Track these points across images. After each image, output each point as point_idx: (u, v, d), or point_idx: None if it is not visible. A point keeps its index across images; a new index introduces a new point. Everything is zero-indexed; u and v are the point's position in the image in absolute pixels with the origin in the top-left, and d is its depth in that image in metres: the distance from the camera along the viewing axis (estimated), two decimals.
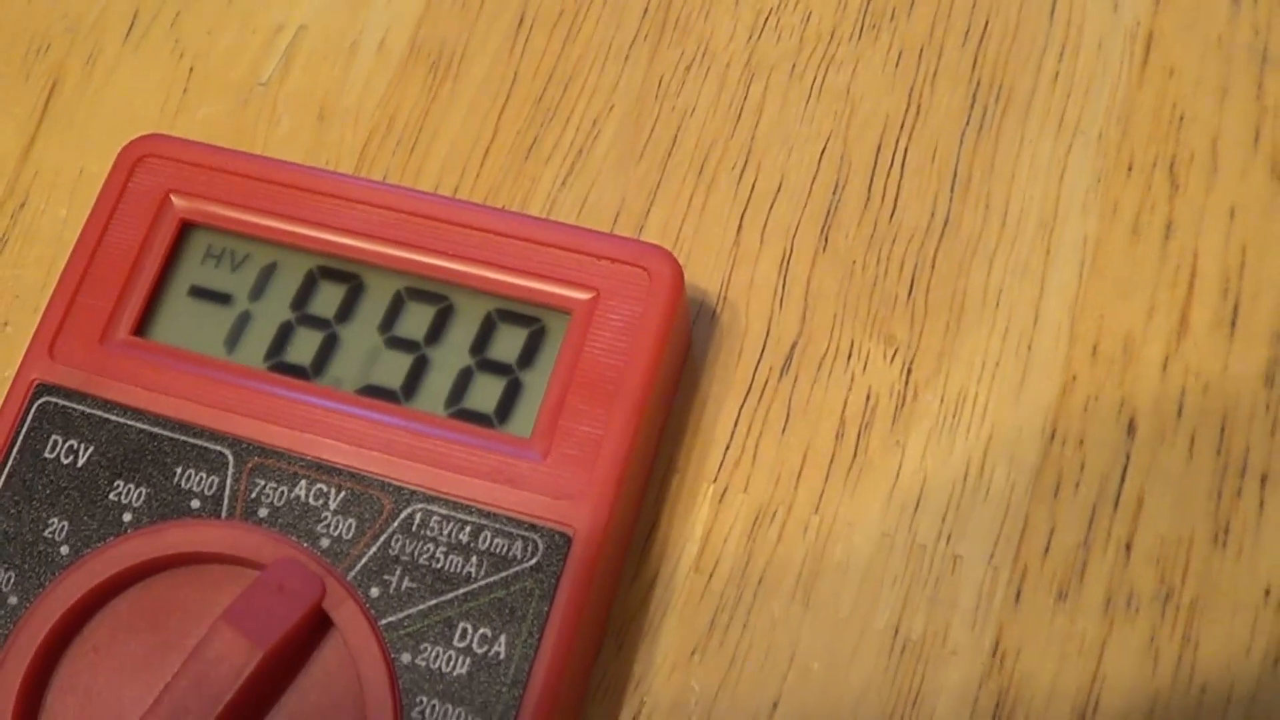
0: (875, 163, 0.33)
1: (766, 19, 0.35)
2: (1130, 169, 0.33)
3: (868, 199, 0.33)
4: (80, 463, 0.28)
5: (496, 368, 0.29)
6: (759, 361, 0.32)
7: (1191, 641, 0.29)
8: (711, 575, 0.30)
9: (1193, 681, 0.29)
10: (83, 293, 0.30)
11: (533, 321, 0.29)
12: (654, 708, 0.30)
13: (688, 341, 0.32)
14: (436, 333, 0.30)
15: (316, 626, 0.27)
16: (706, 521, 0.31)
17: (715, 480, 0.31)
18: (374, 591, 0.27)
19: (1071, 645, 0.30)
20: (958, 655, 0.30)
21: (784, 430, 0.31)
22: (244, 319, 0.30)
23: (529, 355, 0.29)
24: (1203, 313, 0.32)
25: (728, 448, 0.31)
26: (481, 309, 0.29)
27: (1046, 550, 0.30)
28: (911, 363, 0.32)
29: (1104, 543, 0.30)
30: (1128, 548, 0.30)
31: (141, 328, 0.30)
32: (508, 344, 0.29)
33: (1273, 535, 0.30)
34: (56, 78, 0.36)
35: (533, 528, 0.27)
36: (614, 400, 0.28)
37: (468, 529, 0.27)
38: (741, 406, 0.32)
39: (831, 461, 0.31)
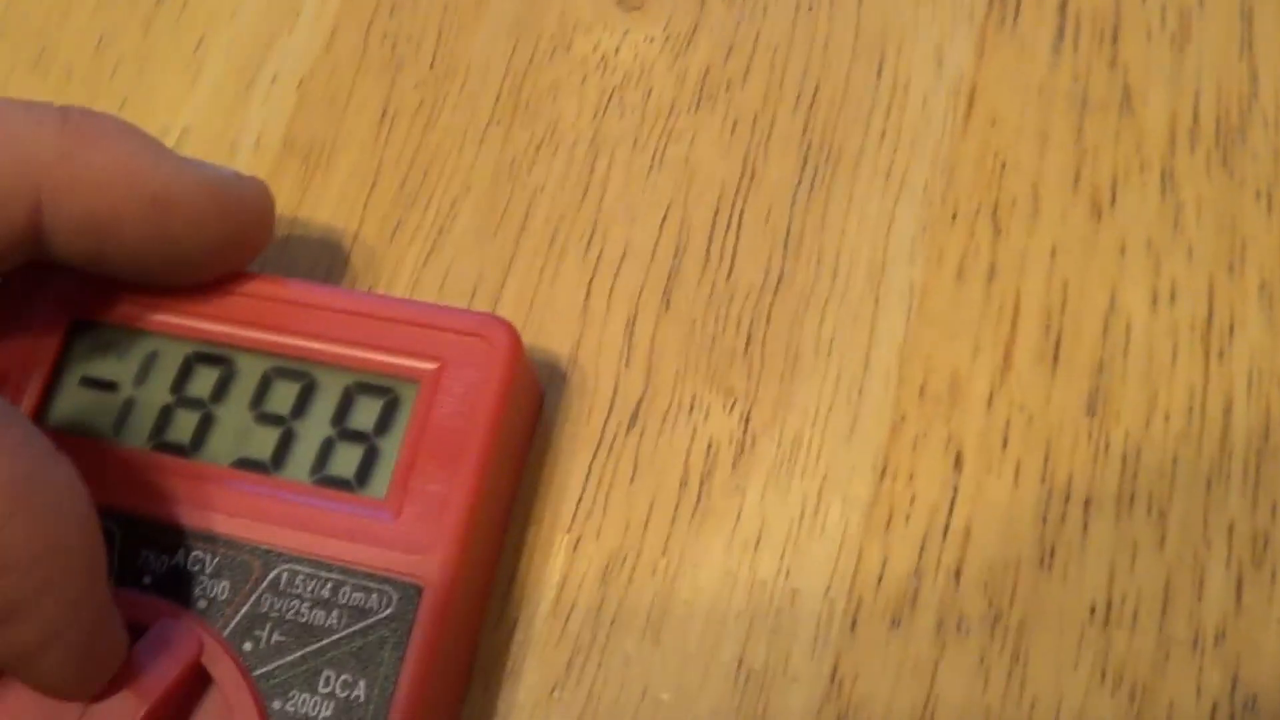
0: (713, 226, 0.36)
1: (610, 97, 0.37)
2: (955, 217, 0.35)
3: (706, 260, 0.35)
4: None
5: (355, 436, 0.31)
6: (608, 418, 0.34)
7: (1021, 660, 0.31)
8: (568, 618, 0.32)
9: (1023, 697, 0.31)
10: None
11: (386, 392, 0.32)
12: None
13: (537, 400, 0.34)
14: (301, 407, 0.32)
15: (196, 681, 0.29)
16: (563, 569, 0.33)
17: (569, 530, 0.33)
18: (247, 646, 0.29)
19: (906, 668, 0.31)
20: (799, 682, 0.31)
21: (632, 480, 0.33)
22: (129, 404, 0.32)
23: (384, 423, 0.31)
24: (1026, 349, 0.34)
25: (580, 499, 0.33)
26: (340, 383, 0.32)
27: (880, 580, 0.32)
28: (749, 412, 0.34)
29: (934, 570, 0.32)
30: (957, 574, 0.32)
31: (38, 416, 0.32)
32: (365, 413, 0.32)
33: (1096, 556, 0.32)
34: None
35: (386, 581, 0.30)
36: (458, 460, 0.30)
37: (329, 585, 0.30)
38: (592, 460, 0.34)
39: (677, 507, 0.33)
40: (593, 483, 0.34)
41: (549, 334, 0.35)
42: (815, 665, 0.32)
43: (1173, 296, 0.34)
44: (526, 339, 0.34)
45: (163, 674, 0.29)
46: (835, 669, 0.31)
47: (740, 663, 0.32)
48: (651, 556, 0.33)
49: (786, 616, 0.32)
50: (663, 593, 0.32)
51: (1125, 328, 0.34)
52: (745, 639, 0.32)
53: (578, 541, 0.33)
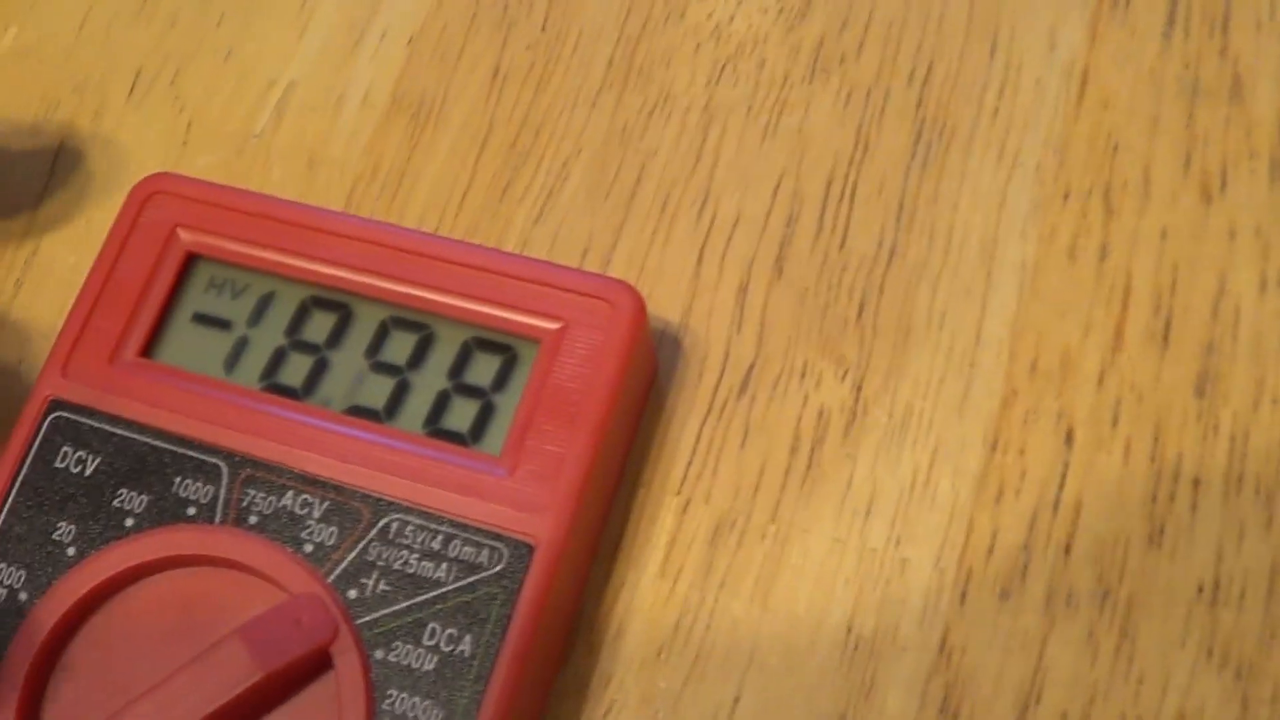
0: (826, 196, 0.36)
1: (724, 66, 0.37)
2: (1067, 196, 0.35)
3: (819, 230, 0.35)
4: (88, 472, 0.31)
5: (471, 391, 0.31)
6: (719, 383, 0.34)
7: (1129, 636, 0.31)
8: (676, 580, 0.32)
9: (1130, 673, 0.31)
10: (95, 317, 0.32)
11: (505, 349, 0.32)
12: (624, 704, 0.31)
13: (653, 366, 0.34)
14: (418, 358, 0.32)
15: (318, 663, 0.29)
16: (671, 531, 0.33)
17: (679, 493, 0.33)
18: (352, 593, 0.29)
19: (1015, 641, 0.31)
20: (908, 651, 0.31)
21: (742, 445, 0.33)
22: (242, 343, 0.32)
23: (501, 380, 0.31)
24: (1136, 329, 0.34)
25: (690, 463, 0.33)
26: (459, 337, 0.32)
27: (990, 552, 0.32)
28: (861, 381, 0.34)
29: (1044, 545, 0.32)
30: (1067, 549, 0.32)
31: (148, 349, 0.32)
32: (482, 369, 0.32)
33: (1204, 536, 0.32)
34: (65, 134, 0.39)
35: (498, 537, 0.30)
36: (576, 421, 0.30)
37: (439, 538, 0.30)
38: (703, 424, 0.34)
39: (787, 473, 0.33)
40: (703, 447, 0.33)
41: (659, 299, 0.35)
42: (924, 635, 0.32)
43: None
44: None
45: (288, 649, 0.28)
46: (944, 640, 0.31)
47: (849, 630, 0.32)
48: (761, 521, 0.33)
49: (896, 585, 0.32)
50: (772, 557, 0.32)
51: (1234, 311, 0.34)
52: (854, 606, 0.32)
53: (687, 504, 0.33)
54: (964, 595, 0.32)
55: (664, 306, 0.35)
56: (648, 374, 0.34)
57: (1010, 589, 0.32)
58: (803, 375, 0.34)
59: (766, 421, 0.34)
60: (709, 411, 0.34)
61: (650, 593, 0.32)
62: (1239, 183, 0.35)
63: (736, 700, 0.31)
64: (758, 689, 0.31)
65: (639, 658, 0.32)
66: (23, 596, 0.30)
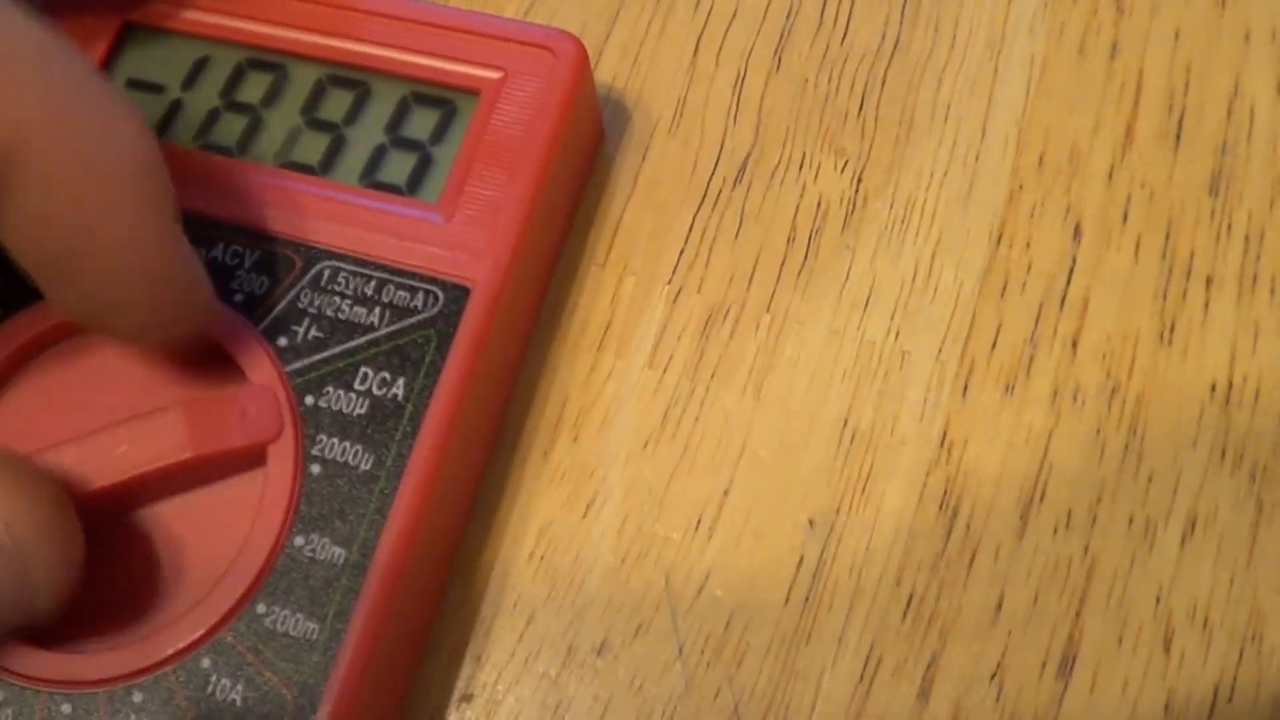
0: None
1: None
2: None
3: (820, 23, 0.34)
4: None
5: (409, 144, 0.30)
6: (713, 172, 0.33)
7: (1138, 434, 0.30)
8: (665, 370, 0.31)
9: (1139, 471, 0.30)
10: None
11: (444, 103, 0.31)
12: (609, 495, 0.30)
13: (598, 124, 0.33)
14: (354, 114, 0.31)
15: (254, 457, 0.28)
16: (661, 320, 0.31)
17: (670, 282, 0.32)
18: (281, 341, 0.28)
19: (1019, 435, 0.30)
20: (906, 444, 0.30)
21: (737, 235, 0.32)
22: (175, 106, 0.31)
23: (440, 133, 0.30)
24: (1148, 127, 0.32)
25: (681, 251, 0.32)
26: (397, 93, 0.31)
27: (994, 346, 0.31)
28: (861, 173, 0.32)
29: (1050, 339, 0.31)
30: (1074, 344, 0.31)
31: None
32: (421, 123, 0.31)
33: (1218, 335, 0.31)
34: None
35: (433, 281, 0.29)
36: (515, 167, 0.29)
37: (372, 283, 0.29)
38: (696, 214, 0.32)
39: (783, 264, 0.32)
40: (695, 236, 0.32)
41: (653, 89, 0.34)
42: (924, 428, 0.30)
43: None
44: (630, 91, 0.33)
45: (225, 438, 0.27)
46: (945, 433, 0.30)
47: (845, 422, 0.30)
48: (755, 311, 0.31)
49: (895, 378, 0.31)
50: (766, 348, 0.31)
51: (1249, 112, 0.33)
52: (851, 399, 0.31)
53: (678, 293, 0.32)
54: (965, 388, 0.30)
55: (658, 97, 0.33)
56: (592, 131, 0.33)
57: (1014, 383, 0.30)
58: (801, 166, 0.33)
59: (763, 211, 0.32)
60: (702, 200, 0.32)
61: (638, 383, 0.31)
62: None
63: (726, 493, 0.30)
64: (749, 481, 0.30)
65: (625, 449, 0.30)
66: None
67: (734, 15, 0.34)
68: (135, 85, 0.31)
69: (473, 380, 0.28)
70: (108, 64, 0.31)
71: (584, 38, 0.33)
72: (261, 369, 0.28)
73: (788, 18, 0.34)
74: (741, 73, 0.33)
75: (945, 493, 0.30)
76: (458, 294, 0.28)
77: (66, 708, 0.26)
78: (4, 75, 0.23)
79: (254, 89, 0.31)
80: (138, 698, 0.26)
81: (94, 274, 0.24)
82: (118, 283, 0.25)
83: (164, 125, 0.31)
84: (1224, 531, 0.29)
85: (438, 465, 0.27)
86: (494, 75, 0.30)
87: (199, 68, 0.31)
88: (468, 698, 0.29)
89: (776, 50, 0.34)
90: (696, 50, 0.34)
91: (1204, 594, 0.29)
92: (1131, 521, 0.29)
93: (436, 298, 0.28)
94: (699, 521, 0.30)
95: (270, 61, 0.31)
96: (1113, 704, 0.28)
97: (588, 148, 0.33)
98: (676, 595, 0.29)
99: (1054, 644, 0.28)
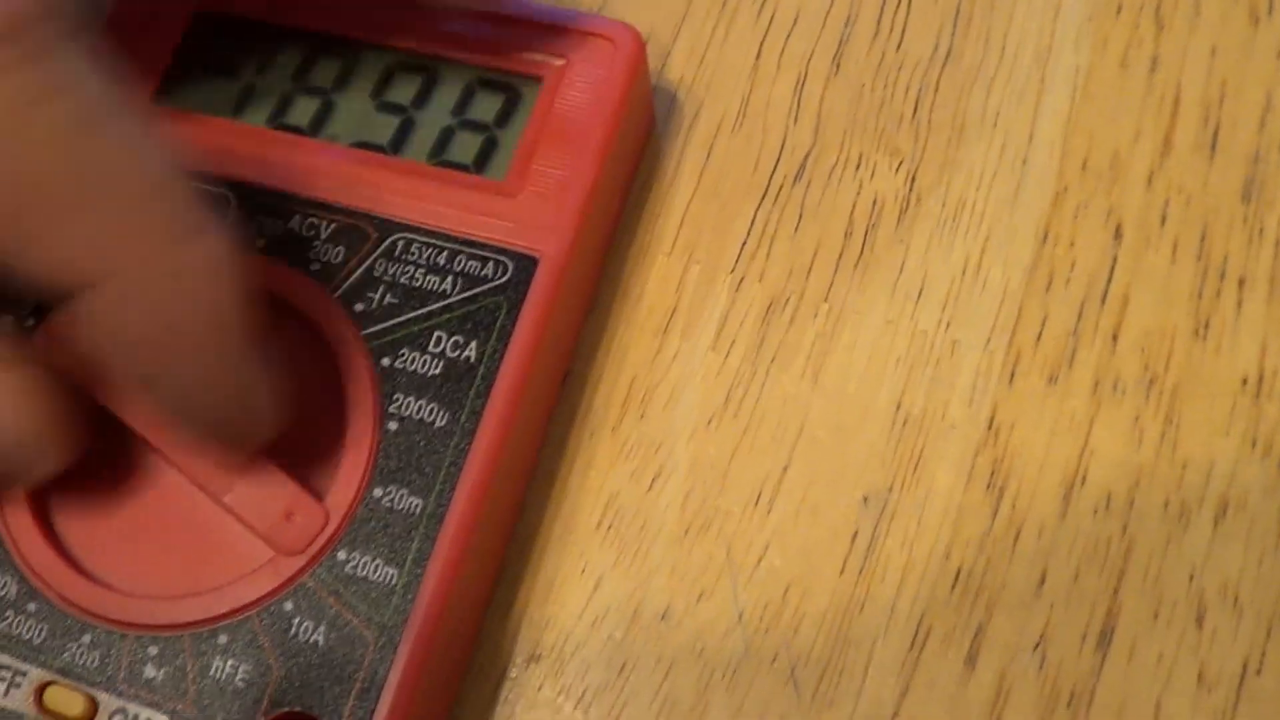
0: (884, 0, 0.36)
1: None
2: (1119, 9, 0.35)
3: (876, 31, 0.36)
4: None
5: (476, 126, 0.32)
6: (774, 170, 0.34)
7: (1174, 423, 0.32)
8: (728, 354, 0.33)
9: (1175, 458, 0.31)
10: None
11: (508, 88, 0.32)
12: (674, 469, 0.32)
13: (650, 114, 0.35)
14: (423, 98, 0.33)
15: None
16: (724, 307, 0.33)
17: (733, 271, 0.33)
18: (358, 306, 0.30)
19: (1061, 422, 0.32)
20: (956, 429, 0.32)
21: (797, 229, 0.34)
22: (248, 90, 0.33)
23: (505, 116, 0.32)
24: (1185, 137, 0.34)
25: (744, 243, 0.34)
26: (464, 77, 0.33)
27: (1039, 338, 0.32)
28: (915, 173, 0.34)
29: (1092, 333, 0.32)
30: (1114, 338, 0.32)
31: (155, 98, 0.33)
32: (486, 106, 0.32)
33: (1249, 332, 0.32)
34: None
35: (503, 251, 0.30)
36: (580, 147, 0.31)
37: (444, 253, 0.30)
38: (758, 208, 0.34)
39: (840, 256, 0.34)
40: (757, 228, 0.34)
41: (718, 90, 0.35)
42: (973, 413, 0.32)
43: None
44: (695, 92, 0.35)
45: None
46: (992, 418, 0.32)
47: (898, 407, 0.32)
48: (814, 301, 0.33)
49: (946, 366, 0.32)
50: (824, 336, 0.33)
51: None
52: (904, 385, 0.32)
53: (740, 282, 0.33)
54: (1012, 377, 0.32)
55: (722, 98, 0.35)
56: (646, 118, 0.34)
57: (1058, 373, 0.32)
58: (858, 165, 0.34)
59: (821, 207, 0.34)
60: (764, 195, 0.34)
61: (702, 365, 0.33)
62: None
63: (785, 470, 0.32)
64: (807, 460, 0.32)
65: (689, 427, 0.32)
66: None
67: (794, 23, 0.36)
68: (209, 71, 0.33)
69: (541, 344, 0.30)
70: (180, 52, 0.33)
71: (651, 41, 0.35)
72: (341, 331, 0.30)
73: (846, 26, 0.36)
74: (802, 77, 0.35)
75: (992, 474, 0.31)
76: (527, 264, 0.30)
77: (153, 649, 0.28)
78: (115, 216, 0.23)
79: (325, 74, 0.33)
80: (223, 639, 0.28)
81: (172, 394, 0.26)
82: (193, 409, 0.26)
83: (238, 108, 0.33)
84: (1254, 516, 0.31)
85: (511, 422, 0.29)
86: (557, 62, 0.32)
87: (270, 54, 0.33)
88: (535, 658, 0.31)
89: (835, 57, 0.35)
90: (759, 55, 0.36)
91: (1234, 574, 0.30)
92: (1167, 505, 0.31)
93: (506, 267, 0.30)
94: (759, 496, 0.32)
95: (339, 49, 0.33)
96: (1148, 675, 0.30)
97: (642, 133, 0.34)
98: (737, 565, 0.31)
99: (1093, 618, 0.30)
